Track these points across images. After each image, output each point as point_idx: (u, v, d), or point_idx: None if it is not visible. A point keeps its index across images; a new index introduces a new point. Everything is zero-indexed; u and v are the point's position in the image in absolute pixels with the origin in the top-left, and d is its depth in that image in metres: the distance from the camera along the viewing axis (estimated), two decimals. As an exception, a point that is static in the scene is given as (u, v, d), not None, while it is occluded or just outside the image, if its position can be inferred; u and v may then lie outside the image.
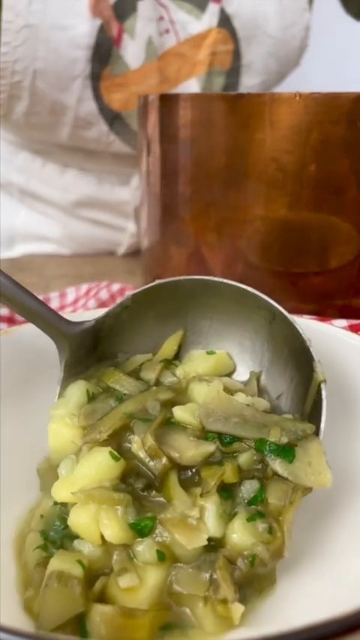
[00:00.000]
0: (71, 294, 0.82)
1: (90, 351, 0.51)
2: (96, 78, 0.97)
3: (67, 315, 0.51)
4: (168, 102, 0.73)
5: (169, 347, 0.52)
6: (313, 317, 0.66)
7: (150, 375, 0.49)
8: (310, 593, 0.38)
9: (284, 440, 0.40)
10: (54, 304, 0.81)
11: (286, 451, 0.40)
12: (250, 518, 0.38)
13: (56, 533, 0.41)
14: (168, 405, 0.44)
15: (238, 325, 0.51)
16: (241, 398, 0.44)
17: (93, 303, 0.77)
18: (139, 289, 0.51)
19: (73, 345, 0.49)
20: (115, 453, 0.40)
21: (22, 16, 0.90)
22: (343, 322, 0.66)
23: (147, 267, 0.85)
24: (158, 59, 0.99)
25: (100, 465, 0.40)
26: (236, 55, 1.03)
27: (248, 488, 0.40)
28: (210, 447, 0.40)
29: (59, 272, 1.09)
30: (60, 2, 0.91)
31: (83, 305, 0.78)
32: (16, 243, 1.21)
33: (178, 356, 0.52)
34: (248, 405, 0.43)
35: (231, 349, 0.52)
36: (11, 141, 1.14)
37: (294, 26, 1.06)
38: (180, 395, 0.46)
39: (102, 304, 0.77)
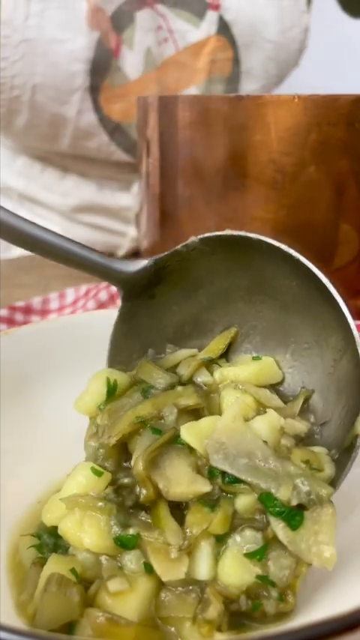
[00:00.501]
0: (71, 294, 0.82)
1: (146, 294, 0.46)
2: (95, 90, 0.97)
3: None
4: (167, 104, 0.73)
5: (216, 345, 0.46)
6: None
7: (184, 370, 0.44)
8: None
9: (294, 502, 0.35)
10: (53, 305, 0.81)
11: (293, 515, 0.35)
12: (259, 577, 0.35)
13: (49, 537, 0.41)
14: (188, 412, 0.41)
15: (302, 329, 0.44)
16: (263, 427, 0.39)
17: (92, 303, 0.77)
18: (209, 234, 0.46)
19: (131, 283, 0.45)
20: (97, 467, 0.39)
21: (20, 31, 0.90)
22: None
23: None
24: (157, 69, 0.99)
25: (82, 483, 0.39)
26: (235, 62, 1.03)
27: (247, 537, 0.36)
28: (204, 488, 0.37)
29: (59, 272, 1.08)
30: (57, 16, 0.91)
31: (83, 306, 0.78)
32: (13, 249, 1.19)
33: (227, 354, 0.47)
34: (266, 443, 0.38)
35: (284, 354, 0.45)
36: (10, 146, 1.14)
37: (293, 29, 1.06)
38: (208, 400, 0.42)
39: (101, 305, 0.77)
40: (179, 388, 0.42)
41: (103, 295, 0.77)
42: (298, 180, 0.65)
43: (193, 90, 1.02)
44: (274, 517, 0.35)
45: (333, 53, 1.38)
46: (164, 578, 0.35)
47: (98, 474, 0.39)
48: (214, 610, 0.34)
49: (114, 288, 0.78)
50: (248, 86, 1.06)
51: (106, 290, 0.78)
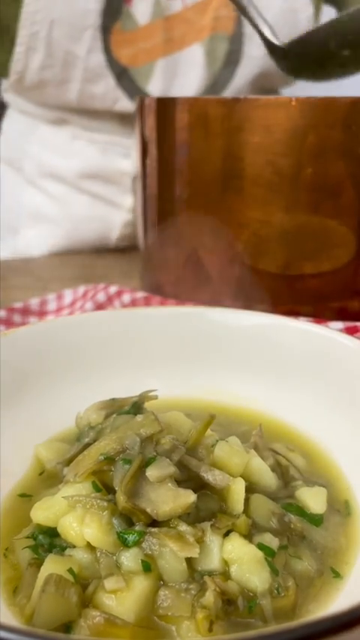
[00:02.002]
0: (68, 296, 0.82)
1: None
2: (106, 31, 1.03)
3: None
4: (165, 105, 0.73)
5: (197, 435, 0.44)
6: (310, 319, 0.67)
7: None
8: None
9: None
10: (51, 306, 0.81)
11: None
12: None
13: (45, 537, 0.41)
14: (151, 440, 0.42)
15: None
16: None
17: (90, 305, 0.77)
18: None
19: None
20: (98, 483, 0.40)
21: None
22: (339, 324, 0.66)
23: (144, 269, 0.86)
24: (165, 20, 1.05)
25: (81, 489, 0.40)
26: (239, 22, 1.08)
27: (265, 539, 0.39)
28: (189, 498, 0.38)
29: (56, 274, 1.09)
30: None
31: (80, 307, 0.78)
32: (20, 228, 1.26)
33: None
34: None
35: None
36: (30, 113, 1.20)
37: (297, 12, 1.09)
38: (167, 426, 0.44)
39: (99, 306, 0.77)
40: (139, 417, 0.44)
41: (101, 297, 0.78)
42: (296, 182, 0.65)
43: (197, 46, 1.08)
44: None
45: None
46: (181, 554, 0.36)
47: (97, 489, 0.40)
48: (210, 595, 0.35)
49: (112, 290, 0.79)
50: (252, 50, 1.10)
51: (104, 292, 0.78)
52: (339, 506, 0.45)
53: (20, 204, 1.27)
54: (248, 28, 1.07)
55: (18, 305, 0.79)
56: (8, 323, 0.75)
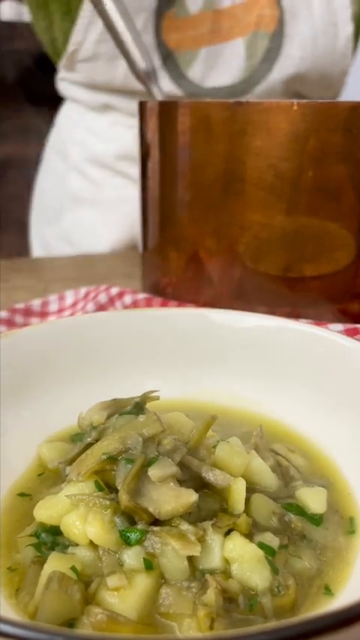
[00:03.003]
0: (70, 297, 0.82)
1: None
2: (160, 16, 1.10)
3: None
4: (167, 108, 0.74)
5: (198, 436, 0.45)
6: (310, 321, 0.67)
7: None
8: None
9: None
10: (52, 307, 0.81)
11: None
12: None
13: (48, 535, 0.41)
14: (153, 440, 0.42)
15: None
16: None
17: (92, 306, 0.77)
18: None
19: None
20: (101, 483, 0.41)
21: None
22: (339, 326, 0.66)
23: (145, 270, 0.86)
24: (214, 12, 1.12)
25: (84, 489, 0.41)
26: (280, 22, 1.14)
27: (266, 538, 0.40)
28: (191, 498, 0.38)
29: (58, 275, 1.09)
30: None
31: (82, 308, 0.79)
32: (64, 212, 1.36)
33: None
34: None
35: None
36: (80, 101, 1.30)
37: (337, 27, 1.15)
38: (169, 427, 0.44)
39: (101, 307, 0.77)
40: (141, 417, 0.44)
41: (103, 298, 0.78)
42: (297, 185, 0.66)
43: (239, 41, 1.15)
44: None
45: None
46: (183, 552, 0.36)
47: (100, 489, 0.41)
48: (211, 593, 0.35)
49: (113, 291, 0.79)
50: (291, 51, 1.16)
51: (106, 293, 0.79)
52: (343, 521, 0.44)
53: (64, 190, 1.36)
54: (289, 29, 1.15)
55: (20, 306, 0.79)
56: (10, 324, 0.76)
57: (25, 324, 0.77)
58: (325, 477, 0.48)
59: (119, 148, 1.27)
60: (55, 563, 0.38)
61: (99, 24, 1.09)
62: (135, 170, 1.25)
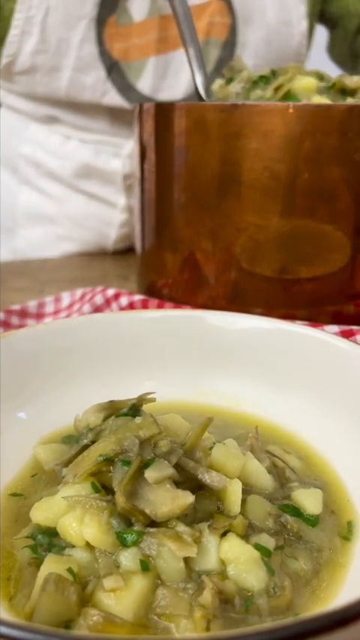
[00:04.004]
0: (66, 298, 0.82)
1: None
2: (101, 23, 1.04)
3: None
4: (164, 110, 0.74)
5: (194, 438, 0.44)
6: (305, 323, 0.67)
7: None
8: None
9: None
10: (49, 309, 0.81)
11: None
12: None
13: (44, 537, 0.41)
14: (149, 442, 0.43)
15: None
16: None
17: (88, 307, 0.77)
18: None
19: None
20: (97, 484, 0.41)
21: None
22: (335, 328, 0.67)
23: (141, 272, 0.86)
24: (160, 18, 1.05)
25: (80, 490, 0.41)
26: (232, 30, 1.09)
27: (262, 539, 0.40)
28: (187, 499, 0.38)
29: (53, 276, 1.09)
30: None
31: (78, 309, 0.79)
32: (17, 229, 1.27)
33: None
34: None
35: None
36: (22, 111, 1.21)
37: (291, 25, 1.11)
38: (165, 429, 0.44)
39: (97, 309, 0.77)
40: (138, 419, 0.44)
41: (99, 299, 0.78)
42: (292, 187, 0.66)
43: None
44: None
45: (328, 64, 1.39)
46: (179, 553, 0.37)
47: (97, 490, 0.41)
48: (207, 594, 0.35)
49: (109, 293, 0.79)
50: (243, 58, 1.09)
51: (102, 294, 0.79)
52: (339, 522, 0.44)
53: (16, 205, 1.27)
54: (241, 36, 1.09)
55: (16, 307, 0.79)
56: (6, 325, 0.76)
57: (21, 326, 0.77)
58: (321, 478, 0.48)
59: (77, 165, 1.19)
60: (51, 565, 0.38)
61: (35, 32, 1.03)
62: (97, 188, 1.20)
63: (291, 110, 0.64)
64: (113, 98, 1.10)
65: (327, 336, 0.55)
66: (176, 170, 0.73)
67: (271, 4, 1.09)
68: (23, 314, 0.79)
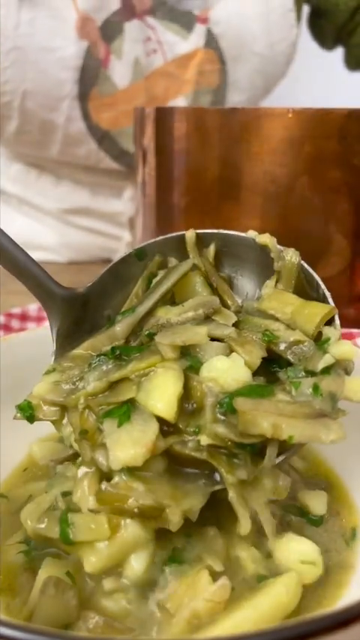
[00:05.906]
0: (66, 302, 0.82)
1: (80, 319, 0.48)
2: (84, 98, 1.00)
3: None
4: (164, 115, 0.74)
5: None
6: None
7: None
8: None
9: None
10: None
11: None
12: None
13: (38, 542, 0.41)
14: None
15: None
16: None
17: (88, 311, 0.77)
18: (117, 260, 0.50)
19: (62, 308, 0.46)
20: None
21: (11, 39, 0.92)
22: (335, 331, 0.67)
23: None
24: (146, 79, 1.01)
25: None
26: (223, 73, 1.05)
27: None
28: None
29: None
30: (48, 25, 0.94)
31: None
32: None
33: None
34: None
35: None
36: (5, 153, 1.15)
37: (281, 43, 1.07)
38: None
39: (97, 312, 0.77)
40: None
41: (99, 303, 0.78)
42: (292, 191, 0.66)
43: (180, 100, 1.04)
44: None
45: (326, 67, 1.40)
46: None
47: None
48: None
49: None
50: (234, 97, 1.08)
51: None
52: (343, 523, 0.44)
53: (11, 233, 1.22)
54: (231, 75, 1.05)
55: (16, 311, 0.79)
56: (7, 328, 0.76)
57: (21, 329, 0.77)
58: (325, 480, 0.48)
59: (73, 206, 1.14)
60: (50, 568, 0.38)
61: (15, 116, 0.98)
62: (99, 225, 1.14)
63: (290, 115, 0.64)
64: (109, 164, 1.07)
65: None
66: (176, 174, 0.74)
67: (260, 30, 1.03)
68: (24, 317, 0.79)
